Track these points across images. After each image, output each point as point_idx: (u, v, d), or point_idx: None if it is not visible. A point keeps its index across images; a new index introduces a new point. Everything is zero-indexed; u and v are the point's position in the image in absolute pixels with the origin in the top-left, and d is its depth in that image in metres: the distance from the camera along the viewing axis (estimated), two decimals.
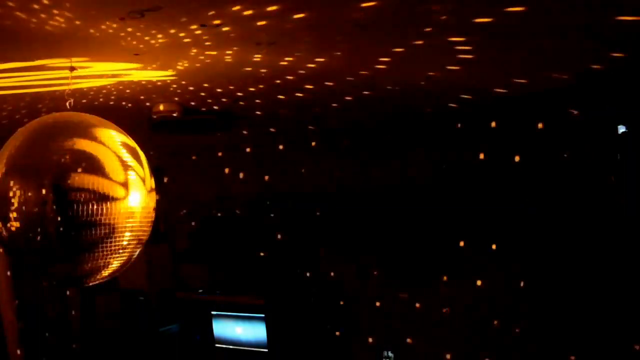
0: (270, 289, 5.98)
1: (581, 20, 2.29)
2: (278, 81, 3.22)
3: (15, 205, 2.13)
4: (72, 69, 2.60)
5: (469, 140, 4.78)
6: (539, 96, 3.80)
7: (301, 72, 3.00)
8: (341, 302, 5.74)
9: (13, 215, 2.15)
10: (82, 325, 6.34)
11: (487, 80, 3.35)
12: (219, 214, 6.55)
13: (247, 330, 6.00)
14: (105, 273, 2.30)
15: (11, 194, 2.14)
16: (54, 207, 2.10)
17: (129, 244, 2.27)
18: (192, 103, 3.82)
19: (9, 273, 5.43)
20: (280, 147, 5.87)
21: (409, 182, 5.29)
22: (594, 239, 4.37)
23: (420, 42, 2.52)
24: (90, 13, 2.04)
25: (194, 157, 6.49)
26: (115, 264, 2.27)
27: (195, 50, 2.56)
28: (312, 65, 2.87)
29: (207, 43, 2.44)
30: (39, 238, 2.15)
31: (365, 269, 5.59)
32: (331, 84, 3.34)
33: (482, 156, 4.68)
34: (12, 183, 2.15)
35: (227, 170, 6.35)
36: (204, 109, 4.00)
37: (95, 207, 2.13)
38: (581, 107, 4.17)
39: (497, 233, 4.73)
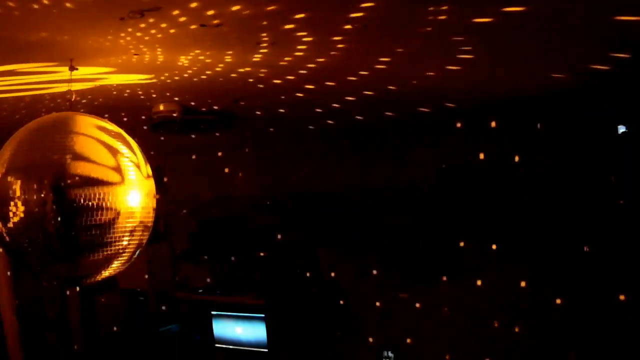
0: (270, 289, 5.98)
1: (581, 21, 2.29)
2: (278, 81, 3.22)
3: (15, 205, 2.13)
4: (72, 68, 2.60)
5: (469, 140, 4.78)
6: (539, 96, 3.80)
7: (301, 72, 3.00)
8: (341, 302, 5.74)
9: (13, 215, 2.15)
10: (82, 325, 6.33)
11: (487, 80, 3.35)
12: (219, 214, 6.55)
13: (247, 330, 6.00)
14: (112, 269, 2.30)
15: (11, 194, 2.14)
16: (54, 207, 2.10)
17: (129, 244, 2.27)
18: (192, 103, 3.82)
19: (9, 273, 5.43)
20: (280, 147, 5.87)
21: (409, 182, 5.29)
22: (594, 239, 4.38)
23: (420, 43, 2.52)
24: (90, 13, 2.04)
25: (194, 157, 6.49)
26: (118, 262, 2.28)
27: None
28: (312, 65, 2.87)
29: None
30: (39, 238, 2.15)
31: (365, 269, 5.59)
32: (331, 84, 3.34)
33: (482, 156, 4.68)
34: (12, 183, 2.15)
35: (227, 170, 6.36)
36: (204, 109, 4.00)
37: (95, 206, 2.13)
38: (581, 107, 4.17)
39: (497, 233, 4.73)
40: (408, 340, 5.34)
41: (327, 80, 3.26)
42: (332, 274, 5.83)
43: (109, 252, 2.22)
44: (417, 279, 5.29)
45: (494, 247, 4.74)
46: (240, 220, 6.37)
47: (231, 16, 2.11)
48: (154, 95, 3.57)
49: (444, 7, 2.06)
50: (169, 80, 3.14)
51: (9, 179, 2.16)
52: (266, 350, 5.84)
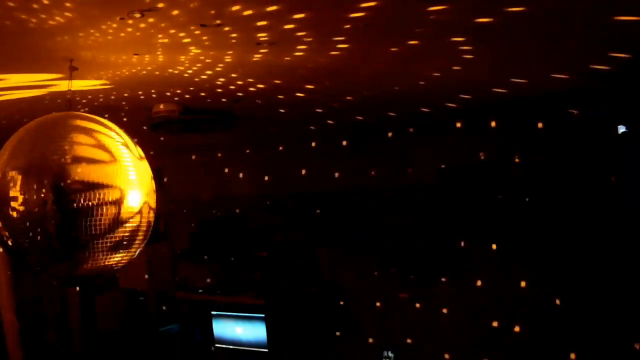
0: (270, 289, 5.98)
1: (581, 21, 2.29)
2: (278, 81, 3.22)
3: (15, 205, 2.13)
4: (72, 68, 2.60)
5: (469, 140, 4.78)
6: (539, 96, 3.80)
7: (301, 72, 3.00)
8: (341, 302, 5.74)
9: (13, 215, 2.15)
10: (82, 325, 6.33)
11: (487, 80, 3.35)
12: (219, 214, 6.56)
13: (247, 330, 6.00)
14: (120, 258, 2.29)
15: (11, 194, 2.14)
16: (54, 207, 2.10)
17: (129, 243, 2.27)
18: (192, 103, 3.82)
19: (9, 273, 5.43)
20: (280, 147, 5.87)
21: (409, 182, 5.29)
22: (594, 239, 4.38)
23: (420, 43, 2.52)
24: (91, 13, 2.04)
25: (194, 157, 6.50)
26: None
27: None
28: (312, 65, 2.87)
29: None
30: (39, 238, 2.15)
31: (365, 269, 5.60)
32: (331, 84, 3.34)
33: (482, 156, 4.68)
34: (12, 183, 2.15)
35: (227, 170, 6.36)
36: (204, 109, 4.00)
37: (95, 205, 2.13)
38: (581, 107, 4.17)
39: (497, 233, 4.73)
40: (408, 340, 5.35)
41: (327, 80, 3.26)
42: (332, 274, 5.83)
43: (108, 252, 2.22)
44: (417, 279, 5.29)
45: (494, 247, 4.74)
46: (240, 220, 6.37)
47: (231, 16, 2.11)
48: (154, 95, 3.57)
49: (444, 7, 2.06)
50: (168, 80, 3.14)
51: (9, 179, 2.16)
52: (266, 350, 5.84)
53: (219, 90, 3.41)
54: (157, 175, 2.54)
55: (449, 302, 5.12)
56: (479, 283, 4.91)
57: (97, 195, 2.15)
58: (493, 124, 4.42)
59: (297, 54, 2.65)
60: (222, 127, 4.35)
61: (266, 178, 6.10)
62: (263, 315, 5.86)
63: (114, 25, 2.16)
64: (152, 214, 2.38)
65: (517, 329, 4.73)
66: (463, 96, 3.74)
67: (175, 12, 2.06)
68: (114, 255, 2.23)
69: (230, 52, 2.60)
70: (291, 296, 5.94)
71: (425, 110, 4.23)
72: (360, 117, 4.52)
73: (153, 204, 2.39)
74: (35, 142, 2.24)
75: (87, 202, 2.13)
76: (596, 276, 4.39)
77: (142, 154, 2.41)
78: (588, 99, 3.97)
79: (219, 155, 6.27)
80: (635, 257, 4.16)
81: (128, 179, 2.24)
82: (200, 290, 6.46)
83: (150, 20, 2.11)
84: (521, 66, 3.09)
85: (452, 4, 2.04)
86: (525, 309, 4.72)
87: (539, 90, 3.64)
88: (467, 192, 4.92)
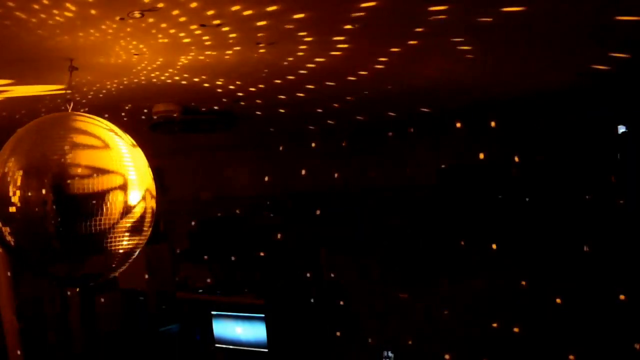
0: (270, 289, 5.98)
1: (581, 21, 2.29)
2: (278, 81, 3.22)
3: (15, 205, 2.13)
4: (72, 68, 2.60)
5: (469, 140, 4.78)
6: (539, 96, 3.80)
7: (301, 72, 3.00)
8: (341, 303, 5.74)
9: (13, 215, 2.15)
10: (82, 325, 6.34)
11: (487, 80, 3.35)
12: (219, 214, 6.56)
13: (247, 330, 6.00)
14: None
15: (11, 194, 2.14)
16: (54, 207, 2.10)
17: (129, 244, 2.27)
18: (192, 103, 3.82)
19: (9, 273, 5.43)
20: (280, 147, 5.87)
21: (409, 182, 5.30)
22: (594, 239, 4.38)
23: (420, 43, 2.52)
24: (91, 13, 2.04)
25: (194, 157, 6.50)
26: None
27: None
28: (312, 65, 2.87)
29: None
30: (38, 238, 2.15)
31: (366, 269, 5.59)
32: (331, 84, 3.34)
33: (481, 156, 4.68)
34: (12, 183, 2.15)
35: (227, 170, 6.36)
36: (204, 109, 4.00)
37: (95, 206, 2.13)
38: (581, 107, 4.17)
39: (497, 233, 4.73)
40: (408, 341, 5.34)
41: (327, 80, 3.26)
42: (332, 274, 5.83)
43: (108, 252, 2.22)
44: (417, 279, 5.29)
45: (494, 247, 4.74)
46: (240, 220, 6.37)
47: (231, 16, 2.11)
48: (154, 95, 3.57)
49: (444, 7, 2.06)
50: (169, 81, 3.14)
51: (9, 179, 2.16)
52: (266, 350, 5.84)
53: (219, 90, 3.41)
54: (157, 175, 2.54)
55: (449, 302, 5.12)
56: (479, 283, 4.90)
57: (97, 195, 2.15)
58: (493, 124, 4.43)
59: (297, 54, 2.65)
60: (222, 127, 4.35)
61: (266, 178, 6.10)
62: (263, 315, 5.86)
63: (114, 26, 2.16)
64: (152, 215, 2.38)
65: (516, 329, 4.73)
66: (463, 96, 3.74)
67: (175, 12, 2.06)
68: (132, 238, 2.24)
69: (230, 52, 2.61)
70: (291, 296, 5.94)
71: (425, 110, 4.23)
72: (360, 117, 4.53)
73: (153, 204, 2.39)
74: (35, 142, 2.24)
75: (87, 201, 2.13)
76: (596, 276, 4.39)
77: (142, 154, 2.42)
78: (588, 99, 3.97)
79: (219, 155, 6.27)
80: (635, 257, 4.16)
81: (128, 178, 2.25)
82: (200, 290, 6.46)
83: (150, 20, 2.11)
84: (521, 66, 3.09)
85: (452, 4, 2.04)
86: (525, 309, 4.72)
87: (539, 90, 3.64)
88: (467, 192, 4.92)
